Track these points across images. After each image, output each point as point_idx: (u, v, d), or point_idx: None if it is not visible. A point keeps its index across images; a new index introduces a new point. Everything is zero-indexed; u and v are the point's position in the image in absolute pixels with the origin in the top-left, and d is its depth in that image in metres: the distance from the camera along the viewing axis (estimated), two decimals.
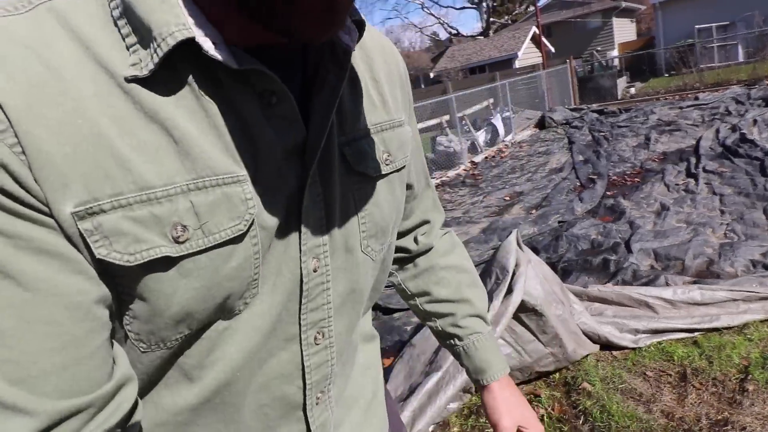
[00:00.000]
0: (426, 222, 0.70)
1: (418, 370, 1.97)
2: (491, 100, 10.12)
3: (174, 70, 0.35)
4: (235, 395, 0.45)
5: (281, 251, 0.43)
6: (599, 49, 19.11)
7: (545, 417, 1.91)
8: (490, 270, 2.19)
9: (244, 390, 0.45)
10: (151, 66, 0.34)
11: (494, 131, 9.45)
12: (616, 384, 2.00)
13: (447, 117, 8.80)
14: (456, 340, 0.71)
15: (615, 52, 17.95)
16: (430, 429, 1.95)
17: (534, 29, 18.32)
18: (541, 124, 10.33)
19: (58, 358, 0.33)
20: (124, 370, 0.38)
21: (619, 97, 12.71)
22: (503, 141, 9.42)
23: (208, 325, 0.41)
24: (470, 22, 77.34)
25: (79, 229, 0.33)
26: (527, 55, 18.11)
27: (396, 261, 0.71)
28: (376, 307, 3.24)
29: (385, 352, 2.64)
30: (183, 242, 0.36)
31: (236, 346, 0.43)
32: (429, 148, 8.34)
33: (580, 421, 1.86)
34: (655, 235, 3.56)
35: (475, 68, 18.70)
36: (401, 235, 0.69)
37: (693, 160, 5.43)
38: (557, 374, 2.13)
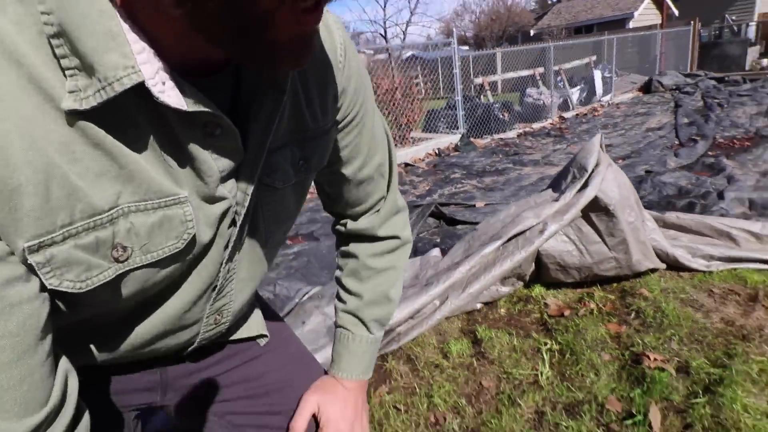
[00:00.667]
0: (370, 209, 0.69)
1: (475, 247, 2.05)
2: (593, 57, 9.39)
3: (117, 104, 0.34)
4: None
5: (209, 259, 0.48)
6: (734, 18, 16.77)
7: (593, 311, 1.93)
8: (567, 170, 2.16)
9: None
10: (93, 103, 0.32)
11: (591, 90, 8.84)
12: (677, 294, 1.95)
13: (541, 70, 8.36)
14: (341, 325, 0.73)
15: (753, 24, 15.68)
16: (478, 305, 2.04)
17: None
18: (647, 89, 9.48)
19: (15, 371, 0.33)
20: (65, 366, 0.40)
21: (746, 69, 11.23)
22: (599, 101, 8.80)
23: (129, 310, 0.47)
24: None
25: (30, 262, 0.33)
26: (644, 17, 16.35)
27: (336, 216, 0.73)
28: (440, 217, 3.33)
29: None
30: (123, 261, 0.38)
31: (144, 328, 0.49)
32: (517, 101, 8.01)
33: (631, 317, 1.85)
34: (755, 189, 3.26)
35: (582, 27, 17.26)
36: (342, 214, 0.70)
37: None
38: (615, 283, 2.11)
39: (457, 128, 6.57)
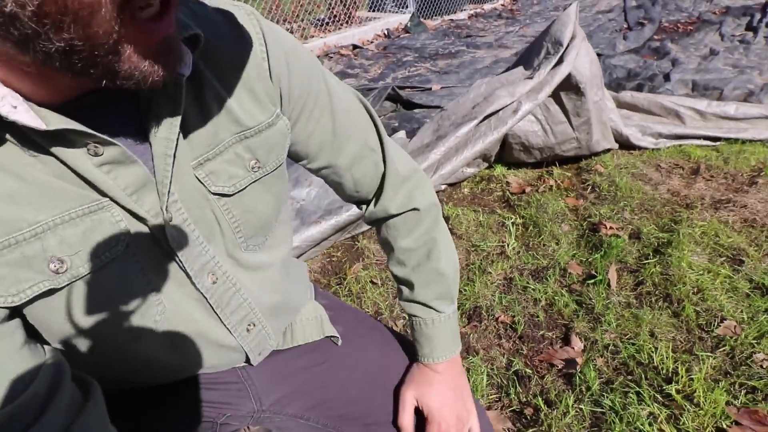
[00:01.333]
0: (376, 190, 0.66)
1: (445, 127, 1.99)
2: None
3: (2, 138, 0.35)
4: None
5: (172, 273, 0.48)
6: None
7: (552, 187, 2.00)
8: (540, 44, 2.07)
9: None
10: None
11: None
12: (629, 169, 2.06)
13: None
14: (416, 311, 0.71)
15: None
16: (443, 187, 2.06)
17: None
18: None
19: None
20: (57, 368, 0.42)
21: None
22: None
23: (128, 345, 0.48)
24: None
25: None
26: None
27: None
28: (396, 100, 3.21)
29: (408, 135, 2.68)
30: (63, 273, 0.39)
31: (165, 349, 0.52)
32: None
33: (587, 191, 1.95)
34: (697, 71, 3.38)
35: None
36: (357, 201, 0.69)
37: (758, 15, 4.92)
38: (572, 163, 2.18)
39: (406, 7, 6.12)
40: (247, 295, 0.56)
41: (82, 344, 0.46)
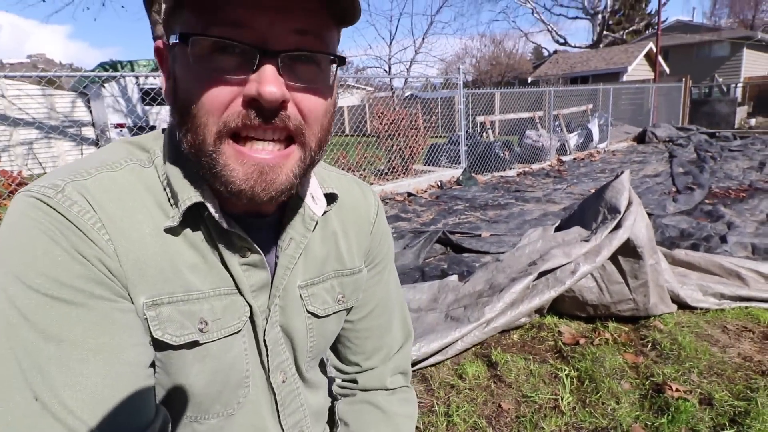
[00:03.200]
0: (373, 366, 0.71)
1: (500, 279, 2.02)
2: (590, 105, 9.72)
3: (194, 224, 0.50)
4: None
5: (258, 364, 0.57)
6: (721, 79, 17.57)
7: (608, 341, 1.91)
8: (596, 208, 2.16)
9: None
10: (178, 219, 0.48)
11: (588, 136, 9.09)
12: (692, 328, 1.95)
13: (540, 113, 8.61)
14: None
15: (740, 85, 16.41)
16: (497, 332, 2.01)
17: (651, 45, 17.19)
18: (641, 139, 9.77)
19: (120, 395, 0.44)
20: (166, 418, 0.51)
21: (735, 127, 11.67)
22: (596, 147, 9.04)
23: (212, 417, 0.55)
24: (580, 34, 73.51)
25: (146, 315, 0.47)
26: (638, 72, 17.05)
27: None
28: (446, 243, 3.33)
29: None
30: (205, 332, 0.51)
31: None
32: (516, 142, 8.20)
33: (647, 348, 1.84)
34: (755, 235, 3.32)
35: (578, 78, 17.92)
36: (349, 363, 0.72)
37: None
38: (629, 319, 2.10)
39: (459, 163, 6.67)
40: (304, 400, 0.63)
41: (182, 405, 0.53)
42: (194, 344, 0.50)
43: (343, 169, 6.00)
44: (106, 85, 8.95)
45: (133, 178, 0.48)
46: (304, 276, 0.59)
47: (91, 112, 9.86)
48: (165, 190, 0.49)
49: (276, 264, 0.56)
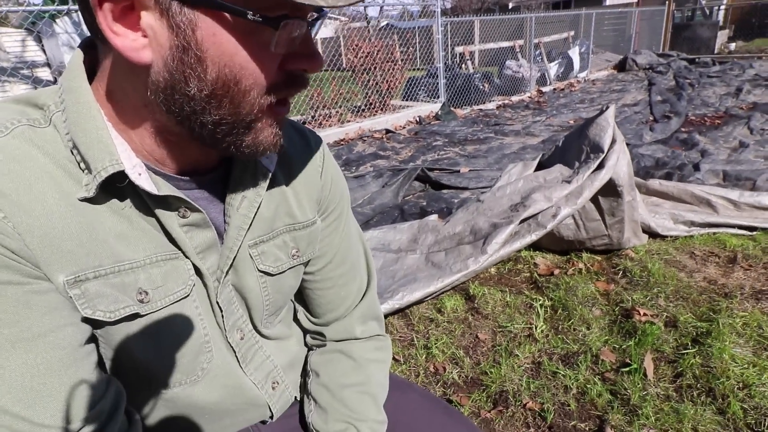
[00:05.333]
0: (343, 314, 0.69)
1: (480, 224, 2.00)
2: (572, 32, 9.43)
3: (115, 190, 0.45)
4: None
5: (216, 326, 0.55)
6: (704, 2, 17.12)
7: (582, 270, 1.97)
8: (580, 146, 2.10)
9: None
10: (93, 190, 0.43)
11: (568, 65, 8.90)
12: (661, 255, 2.02)
13: (521, 42, 8.33)
14: None
15: (723, 8, 16.01)
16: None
17: None
18: (622, 66, 9.63)
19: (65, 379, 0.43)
20: (119, 394, 0.48)
21: (715, 52, 11.55)
22: (576, 76, 8.89)
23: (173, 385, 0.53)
24: None
25: (69, 294, 0.42)
26: None
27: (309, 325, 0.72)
28: (425, 180, 3.31)
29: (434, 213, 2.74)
30: (146, 303, 0.47)
31: (202, 397, 0.56)
32: (496, 73, 7.98)
33: (618, 276, 1.90)
34: (727, 162, 3.39)
35: (560, 3, 17.24)
36: (316, 322, 0.70)
37: None
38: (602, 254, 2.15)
39: (438, 97, 6.51)
40: (269, 353, 0.63)
41: (138, 377, 0.51)
42: (135, 316, 0.47)
43: (318, 106, 5.80)
44: (57, 20, 8.25)
45: (24, 143, 0.42)
46: (252, 234, 0.55)
47: (44, 51, 9.16)
48: (72, 152, 0.43)
49: (226, 222, 0.53)
